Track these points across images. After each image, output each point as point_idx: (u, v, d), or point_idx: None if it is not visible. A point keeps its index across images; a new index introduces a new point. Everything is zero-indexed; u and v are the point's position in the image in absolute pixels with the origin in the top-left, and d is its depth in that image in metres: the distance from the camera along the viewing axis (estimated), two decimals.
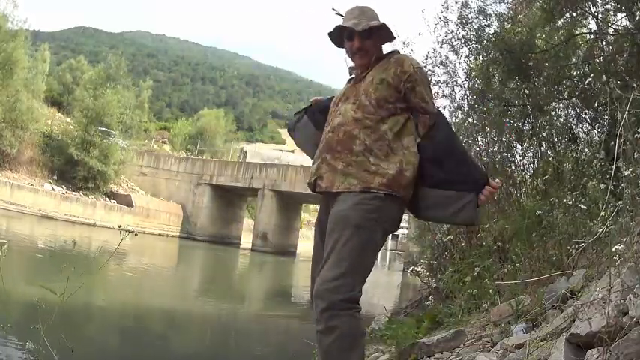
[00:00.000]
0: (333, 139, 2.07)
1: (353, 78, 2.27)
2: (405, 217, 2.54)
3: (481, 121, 6.59)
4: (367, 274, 1.97)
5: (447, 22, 6.81)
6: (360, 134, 2.03)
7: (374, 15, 2.20)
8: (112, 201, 30.29)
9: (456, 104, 7.07)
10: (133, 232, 2.09)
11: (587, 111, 6.08)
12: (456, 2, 6.72)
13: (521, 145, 6.71)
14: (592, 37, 6.06)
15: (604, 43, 5.84)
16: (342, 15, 2.24)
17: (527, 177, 6.59)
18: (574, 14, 5.91)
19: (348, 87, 2.23)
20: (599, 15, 5.85)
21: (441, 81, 7.03)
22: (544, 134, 6.13)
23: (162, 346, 6.11)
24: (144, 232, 29.03)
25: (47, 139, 29.57)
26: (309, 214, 52.07)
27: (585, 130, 6.25)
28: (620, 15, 5.72)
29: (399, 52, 2.27)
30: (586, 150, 5.50)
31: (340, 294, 1.82)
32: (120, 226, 2.06)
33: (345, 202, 1.97)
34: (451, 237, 5.87)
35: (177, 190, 34.69)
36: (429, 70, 6.88)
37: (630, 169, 2.35)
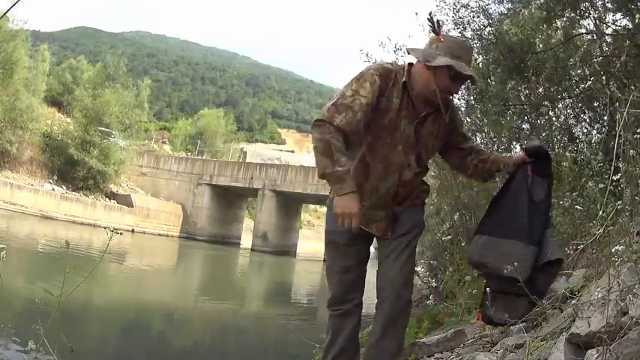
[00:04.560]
0: (401, 195, 2.21)
1: (408, 89, 2.12)
2: None
3: (480, 120, 6.59)
4: None
5: (442, 23, 6.78)
6: (417, 182, 2.27)
7: None
8: (112, 201, 30.29)
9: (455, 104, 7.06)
10: (120, 232, 2.09)
11: (586, 111, 6.07)
12: (452, 2, 6.68)
13: (520, 146, 6.71)
14: (591, 37, 6.06)
15: (603, 44, 5.84)
16: (433, 23, 2.07)
17: None
18: (573, 14, 5.90)
19: (408, 123, 2.13)
20: (598, 15, 5.85)
21: None
22: (543, 134, 6.12)
23: (162, 345, 6.12)
24: (144, 232, 29.06)
25: (47, 139, 29.55)
26: (309, 214, 52.08)
27: (584, 131, 6.25)
28: (619, 15, 5.72)
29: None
30: (585, 150, 5.50)
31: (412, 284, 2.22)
32: (106, 227, 2.09)
33: (413, 209, 2.24)
34: (451, 237, 5.88)
35: (177, 190, 34.69)
36: None
37: (616, 177, 2.36)
